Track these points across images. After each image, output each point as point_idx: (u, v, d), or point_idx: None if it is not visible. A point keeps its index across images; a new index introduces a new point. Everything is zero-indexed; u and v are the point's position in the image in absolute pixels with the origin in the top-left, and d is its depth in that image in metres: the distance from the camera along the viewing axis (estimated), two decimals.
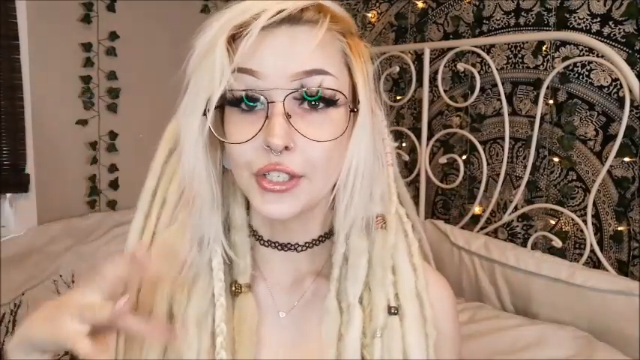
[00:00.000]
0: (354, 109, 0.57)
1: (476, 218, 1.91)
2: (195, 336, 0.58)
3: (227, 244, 0.62)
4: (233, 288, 0.62)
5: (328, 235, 0.65)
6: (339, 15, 0.58)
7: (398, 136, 2.24)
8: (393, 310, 0.61)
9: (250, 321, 0.61)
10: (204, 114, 0.54)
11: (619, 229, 1.65)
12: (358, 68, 0.58)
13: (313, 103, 0.54)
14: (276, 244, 0.64)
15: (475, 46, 1.87)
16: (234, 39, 0.54)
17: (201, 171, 0.57)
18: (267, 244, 0.64)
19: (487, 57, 1.82)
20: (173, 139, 0.67)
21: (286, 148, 0.53)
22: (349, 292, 0.61)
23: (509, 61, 1.90)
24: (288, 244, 0.63)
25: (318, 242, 0.64)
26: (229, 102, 0.56)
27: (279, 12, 0.53)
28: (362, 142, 0.57)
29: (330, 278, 0.62)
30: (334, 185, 0.59)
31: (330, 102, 0.55)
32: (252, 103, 0.54)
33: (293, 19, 0.54)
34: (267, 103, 0.53)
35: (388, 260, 0.63)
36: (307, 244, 0.64)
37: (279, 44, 0.54)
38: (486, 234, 1.83)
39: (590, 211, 1.58)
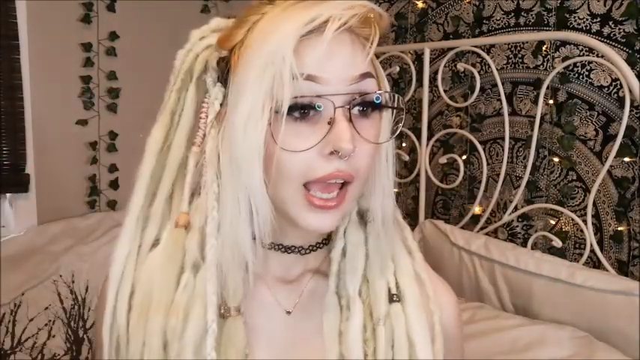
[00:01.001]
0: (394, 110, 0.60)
1: (476, 218, 1.91)
2: None
3: (253, 258, 0.58)
4: (222, 310, 0.59)
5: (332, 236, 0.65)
6: (383, 30, 0.58)
7: (398, 136, 2.23)
8: (394, 298, 0.61)
9: (238, 347, 0.59)
10: (270, 123, 0.53)
11: (619, 229, 1.65)
12: (379, 73, 0.60)
13: (364, 108, 0.56)
14: (280, 247, 0.63)
15: (475, 46, 1.87)
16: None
17: (258, 185, 0.55)
18: (269, 246, 0.63)
19: (487, 57, 1.82)
20: (157, 153, 0.62)
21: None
22: (348, 286, 0.61)
23: (509, 61, 1.90)
24: (292, 246, 0.63)
25: (322, 245, 0.64)
26: (292, 109, 0.54)
27: (345, 23, 0.54)
28: (387, 142, 0.61)
29: (329, 274, 0.63)
30: None
31: (376, 105, 0.57)
32: (306, 111, 0.54)
33: (351, 28, 0.55)
34: (334, 108, 0.54)
35: (387, 248, 0.63)
36: (311, 247, 0.64)
37: (341, 49, 0.55)
38: (486, 234, 1.83)
39: (590, 211, 1.58)
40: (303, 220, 0.56)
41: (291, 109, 0.53)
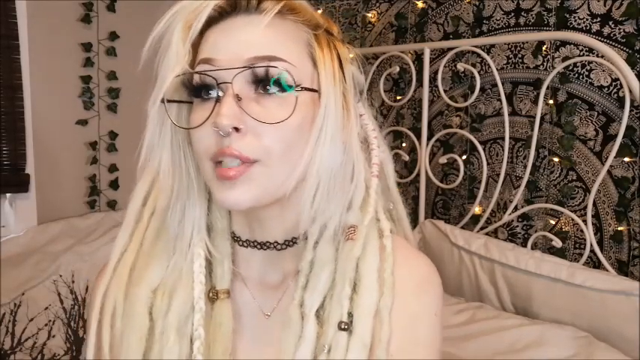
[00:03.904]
0: (312, 91, 0.57)
1: (476, 218, 1.91)
2: (176, 343, 0.57)
3: (210, 245, 0.61)
4: (210, 294, 0.61)
5: None
6: (298, 6, 0.58)
7: (398, 136, 2.24)
8: (342, 326, 0.57)
9: (226, 328, 0.60)
10: (163, 101, 0.55)
11: (619, 229, 1.65)
12: (321, 61, 0.58)
13: (266, 87, 0.54)
14: (255, 243, 0.62)
15: (475, 46, 1.87)
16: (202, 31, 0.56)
17: (167, 161, 0.58)
18: (246, 244, 0.63)
19: (487, 57, 1.82)
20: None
21: (237, 130, 0.53)
22: (307, 304, 0.58)
23: (509, 61, 1.90)
24: (267, 242, 0.62)
25: (298, 240, 0.62)
26: (194, 93, 0.56)
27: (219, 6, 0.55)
28: (325, 136, 0.56)
29: (295, 287, 0.60)
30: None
31: (284, 87, 0.54)
32: (206, 93, 0.55)
33: (250, 8, 0.56)
34: (217, 84, 0.54)
35: (350, 272, 0.59)
36: (287, 242, 0.62)
37: (234, 30, 0.55)
38: (486, 234, 1.83)
39: (590, 211, 1.58)
40: (216, 195, 0.55)
41: (195, 93, 0.56)
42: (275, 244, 0.62)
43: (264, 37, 0.55)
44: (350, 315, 0.58)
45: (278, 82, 0.54)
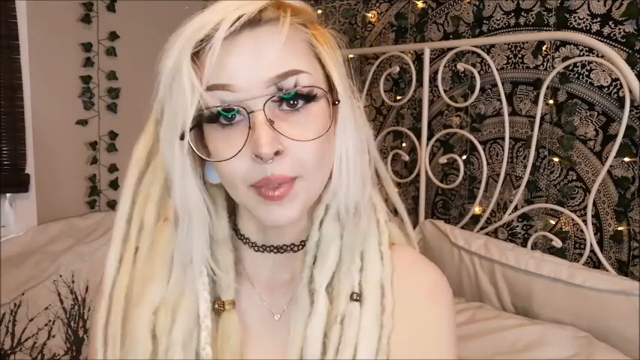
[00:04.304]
0: (335, 100, 0.57)
1: (476, 218, 1.91)
2: (181, 358, 0.57)
3: (212, 261, 0.60)
4: (216, 306, 0.60)
5: None
6: (299, 7, 0.56)
7: (398, 136, 2.24)
8: (354, 297, 0.59)
9: (234, 340, 0.59)
10: (182, 138, 0.53)
11: (619, 229, 1.65)
12: (329, 57, 0.57)
13: (292, 102, 0.54)
14: (272, 248, 0.62)
15: (475, 46, 1.87)
16: (198, 55, 0.53)
17: (194, 192, 0.57)
18: (261, 249, 0.62)
19: (487, 57, 1.82)
20: (143, 159, 0.65)
21: (276, 153, 0.52)
22: (316, 280, 0.59)
23: (509, 61, 1.90)
24: (284, 245, 0.62)
25: None
26: (208, 119, 0.54)
27: (238, 18, 0.52)
28: (348, 132, 0.57)
29: (303, 266, 0.61)
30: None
31: (309, 98, 0.54)
32: (229, 115, 0.53)
33: (253, 21, 0.53)
34: (248, 113, 0.52)
35: (358, 246, 0.62)
36: (303, 243, 0.62)
37: (246, 51, 0.52)
38: (486, 234, 1.83)
39: (590, 211, 1.58)
40: (261, 216, 0.55)
41: (209, 119, 0.54)
42: (292, 246, 0.62)
43: (279, 52, 0.53)
44: (360, 286, 0.60)
45: (303, 96, 0.54)
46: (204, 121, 0.55)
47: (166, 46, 0.54)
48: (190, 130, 0.54)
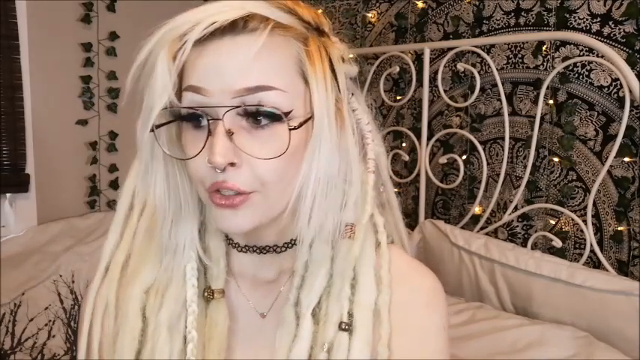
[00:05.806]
0: (306, 120, 0.54)
1: (476, 218, 1.91)
2: (167, 339, 0.58)
3: (202, 250, 0.61)
4: (206, 294, 0.61)
5: None
6: (287, 24, 0.54)
7: (398, 136, 2.24)
8: (343, 326, 0.57)
9: (221, 327, 0.60)
10: (152, 130, 0.54)
11: (619, 229, 1.65)
12: (314, 76, 0.54)
13: (257, 118, 0.53)
14: (255, 248, 0.62)
15: (475, 46, 1.87)
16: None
17: (160, 185, 0.57)
18: (244, 249, 0.62)
19: (487, 57, 1.82)
20: None
21: (232, 164, 0.52)
22: (303, 303, 0.58)
23: (509, 61, 1.90)
24: (267, 246, 0.62)
25: (297, 242, 0.61)
26: (181, 117, 0.55)
27: (212, 24, 0.51)
28: (320, 153, 0.54)
29: (290, 287, 0.60)
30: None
31: (275, 117, 0.52)
32: (196, 120, 0.54)
33: (236, 28, 0.52)
34: (208, 120, 0.52)
35: (349, 272, 0.59)
36: (286, 245, 0.62)
37: (221, 57, 0.52)
38: (486, 234, 1.83)
39: (590, 211, 1.58)
40: (215, 221, 0.56)
41: (184, 117, 0.54)
42: (275, 247, 0.62)
43: (254, 63, 0.52)
44: (350, 315, 0.58)
45: (269, 115, 0.52)
46: (179, 118, 0.55)
47: (143, 41, 0.53)
48: (167, 123, 0.55)
